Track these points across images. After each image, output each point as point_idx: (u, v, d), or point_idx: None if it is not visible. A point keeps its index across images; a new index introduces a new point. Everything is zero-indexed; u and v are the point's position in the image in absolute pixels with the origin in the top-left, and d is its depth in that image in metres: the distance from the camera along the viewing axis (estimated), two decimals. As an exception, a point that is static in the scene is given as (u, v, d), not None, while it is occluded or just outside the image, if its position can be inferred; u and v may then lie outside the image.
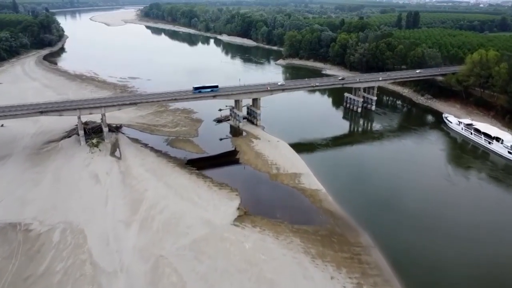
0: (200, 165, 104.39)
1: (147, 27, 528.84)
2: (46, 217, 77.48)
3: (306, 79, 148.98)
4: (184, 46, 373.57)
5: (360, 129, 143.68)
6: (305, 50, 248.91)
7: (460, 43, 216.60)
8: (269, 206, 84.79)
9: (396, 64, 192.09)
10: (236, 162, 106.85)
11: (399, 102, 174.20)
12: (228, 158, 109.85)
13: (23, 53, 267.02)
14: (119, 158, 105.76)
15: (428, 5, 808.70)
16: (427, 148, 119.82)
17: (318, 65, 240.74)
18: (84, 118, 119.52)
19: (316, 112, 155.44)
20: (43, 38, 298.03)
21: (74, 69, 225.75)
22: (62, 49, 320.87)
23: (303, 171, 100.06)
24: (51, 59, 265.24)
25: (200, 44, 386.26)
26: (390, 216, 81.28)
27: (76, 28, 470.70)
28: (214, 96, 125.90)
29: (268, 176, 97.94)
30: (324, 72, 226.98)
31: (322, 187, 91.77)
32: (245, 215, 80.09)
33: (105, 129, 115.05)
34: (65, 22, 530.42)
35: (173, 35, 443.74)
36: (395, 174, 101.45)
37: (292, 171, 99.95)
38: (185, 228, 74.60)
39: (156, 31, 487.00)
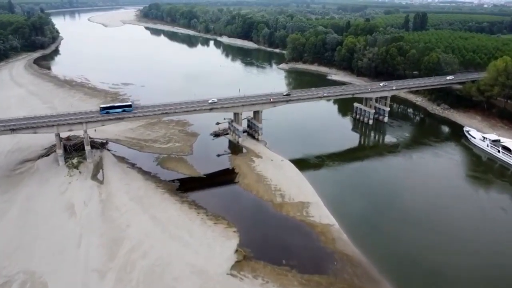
0: (193, 191, 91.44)
1: (146, 28, 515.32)
2: (5, 265, 64.39)
3: (313, 88, 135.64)
4: (183, 48, 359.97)
5: (373, 144, 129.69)
6: (309, 53, 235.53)
7: (474, 46, 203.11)
8: (273, 246, 71.65)
9: (408, 70, 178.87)
10: (234, 187, 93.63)
11: (411, 111, 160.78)
12: (226, 182, 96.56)
13: (13, 57, 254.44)
14: (101, 183, 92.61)
15: (431, 6, 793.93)
16: (453, 170, 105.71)
17: (323, 69, 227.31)
18: (67, 132, 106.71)
19: (323, 124, 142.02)
20: (35, 40, 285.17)
21: (64, 74, 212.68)
22: (55, 52, 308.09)
23: (311, 199, 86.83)
24: (42, 62, 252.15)
25: (199, 46, 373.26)
26: (422, 262, 67.59)
27: (72, 29, 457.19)
28: (210, 109, 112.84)
29: (272, 205, 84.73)
30: (329, 77, 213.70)
31: (334, 221, 78.56)
32: (244, 260, 66.97)
33: (87, 148, 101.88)
34: (63, 23, 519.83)
35: (172, 36, 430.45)
36: (419, 201, 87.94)
37: (298, 199, 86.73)
38: (171, 281, 61.45)
39: (155, 32, 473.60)
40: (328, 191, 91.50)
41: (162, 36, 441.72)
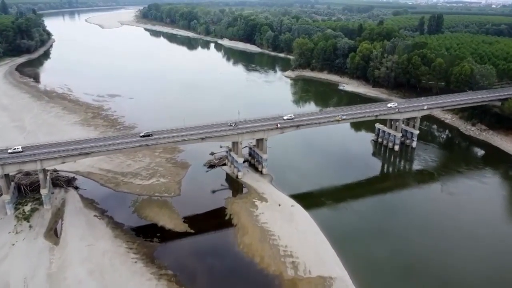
0: (176, 255, 69.44)
1: (145, 29, 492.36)
2: None
3: (328, 109, 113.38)
4: (181, 51, 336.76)
5: (404, 178, 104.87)
6: (318, 60, 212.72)
7: (504, 53, 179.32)
8: None
9: (433, 81, 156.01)
10: (231, 248, 71.17)
11: (440, 130, 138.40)
12: (220, 241, 74.18)
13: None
14: (56, 243, 70.41)
15: (438, 6, 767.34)
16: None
17: (333, 78, 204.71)
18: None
19: (337, 149, 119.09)
20: (20, 44, 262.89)
21: (45, 83, 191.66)
22: (44, 56, 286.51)
23: (334, 272, 64.35)
24: (25, 69, 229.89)
25: (199, 48, 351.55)
26: None
27: (67, 31, 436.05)
28: (202, 139, 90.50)
29: (281, 283, 62.22)
30: (341, 87, 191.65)
31: (370, 315, 56.16)
32: None
33: (44, 191, 79.27)
34: (59, 24, 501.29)
35: (171, 39, 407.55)
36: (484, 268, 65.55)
37: (317, 272, 64.26)
38: None
39: (153, 34, 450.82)
40: (356, 255, 69.48)
41: (161, 38, 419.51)
